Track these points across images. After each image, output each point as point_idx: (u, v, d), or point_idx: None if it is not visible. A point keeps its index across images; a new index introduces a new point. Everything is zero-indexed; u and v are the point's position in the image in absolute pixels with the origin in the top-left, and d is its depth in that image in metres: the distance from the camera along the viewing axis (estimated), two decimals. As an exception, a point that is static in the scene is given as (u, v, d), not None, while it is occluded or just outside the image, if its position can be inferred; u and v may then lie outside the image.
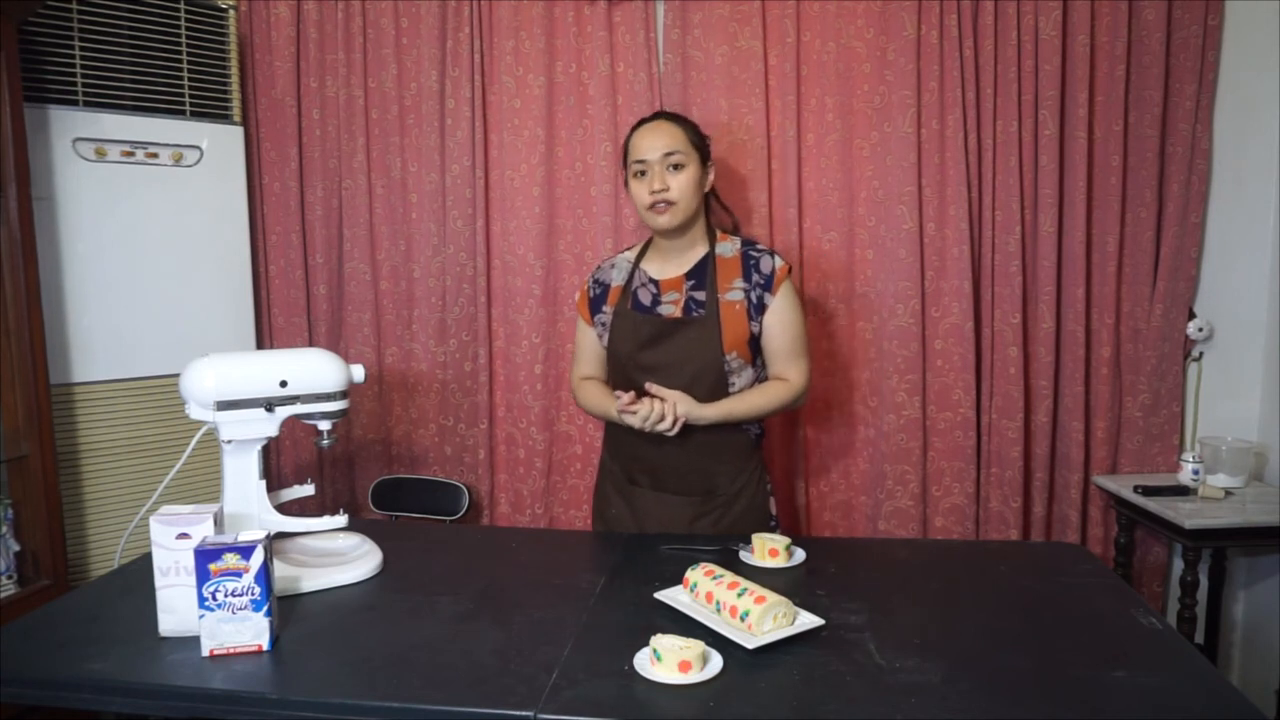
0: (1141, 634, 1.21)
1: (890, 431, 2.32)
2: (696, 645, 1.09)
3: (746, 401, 1.73)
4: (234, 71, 2.23)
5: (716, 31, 2.28)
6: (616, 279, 1.85)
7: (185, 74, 2.13)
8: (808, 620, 1.21)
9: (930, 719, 1.00)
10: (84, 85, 1.98)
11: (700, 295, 1.75)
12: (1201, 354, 2.36)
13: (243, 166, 2.28)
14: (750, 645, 1.13)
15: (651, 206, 1.71)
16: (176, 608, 1.20)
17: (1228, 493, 2.15)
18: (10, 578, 1.83)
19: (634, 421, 1.62)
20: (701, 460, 1.75)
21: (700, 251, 1.80)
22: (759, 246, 1.79)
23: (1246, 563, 2.38)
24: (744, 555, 1.51)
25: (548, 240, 2.41)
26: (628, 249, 1.92)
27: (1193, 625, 2.11)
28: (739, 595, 1.19)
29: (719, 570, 1.28)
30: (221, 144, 2.22)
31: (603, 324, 1.83)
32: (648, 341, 1.73)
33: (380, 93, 2.42)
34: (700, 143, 1.77)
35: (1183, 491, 2.15)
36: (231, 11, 2.20)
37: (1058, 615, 1.29)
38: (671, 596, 1.30)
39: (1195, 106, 2.22)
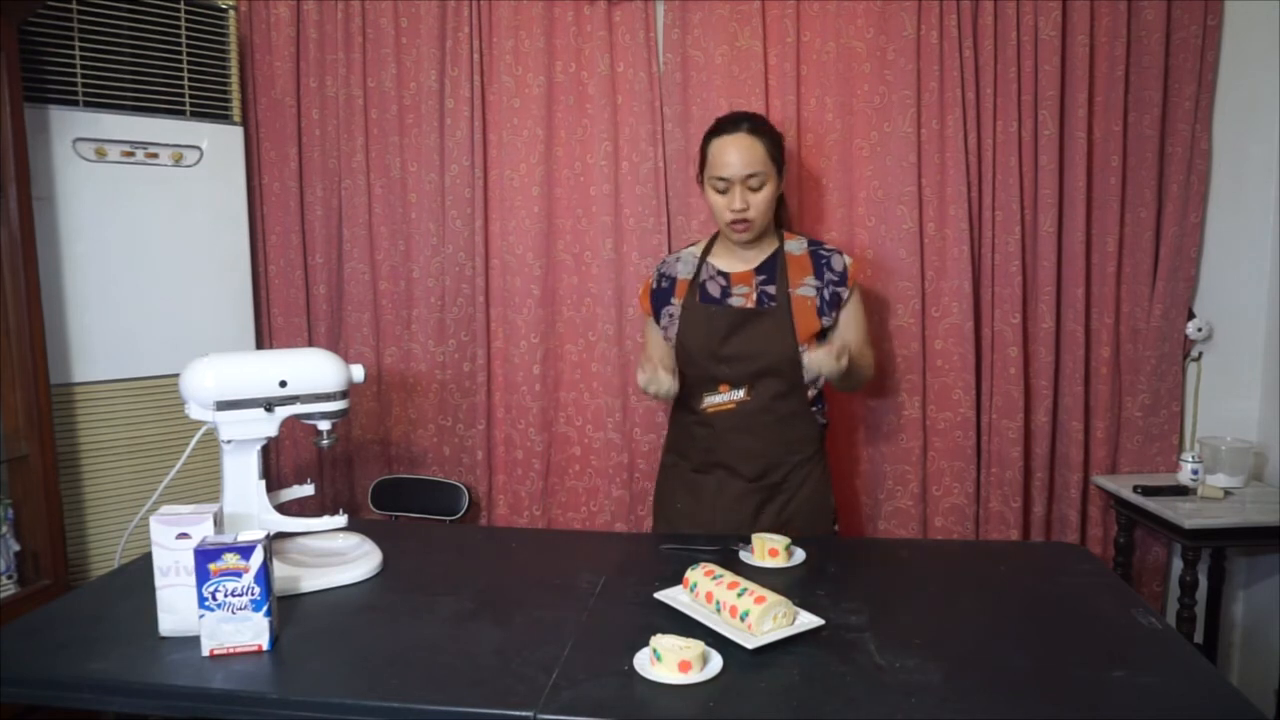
0: (1141, 634, 1.21)
1: (890, 431, 2.33)
2: (696, 645, 1.09)
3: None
4: (234, 71, 2.22)
5: (716, 31, 2.28)
6: (683, 272, 1.87)
7: (185, 74, 2.13)
8: (808, 620, 1.21)
9: (930, 719, 1.00)
10: (84, 85, 1.97)
11: (771, 289, 1.79)
12: (1201, 354, 2.36)
13: (243, 166, 2.28)
14: (750, 645, 1.13)
15: (731, 224, 1.75)
16: (176, 608, 1.20)
17: (1227, 493, 2.15)
18: (10, 578, 1.83)
19: (822, 360, 1.61)
20: (774, 445, 1.78)
21: (769, 248, 1.84)
22: (826, 246, 1.85)
23: (1246, 563, 2.38)
24: (744, 555, 1.51)
25: (547, 240, 2.41)
26: (692, 244, 1.95)
27: (1192, 625, 2.11)
28: (739, 595, 1.19)
29: (719, 570, 1.28)
30: (221, 144, 2.22)
31: (670, 316, 1.85)
32: (724, 331, 1.76)
33: (380, 92, 2.42)
34: (779, 154, 1.78)
35: (1182, 491, 2.15)
36: (231, 11, 2.20)
37: (1058, 615, 1.29)
38: (671, 596, 1.30)
39: (1195, 107, 2.22)
